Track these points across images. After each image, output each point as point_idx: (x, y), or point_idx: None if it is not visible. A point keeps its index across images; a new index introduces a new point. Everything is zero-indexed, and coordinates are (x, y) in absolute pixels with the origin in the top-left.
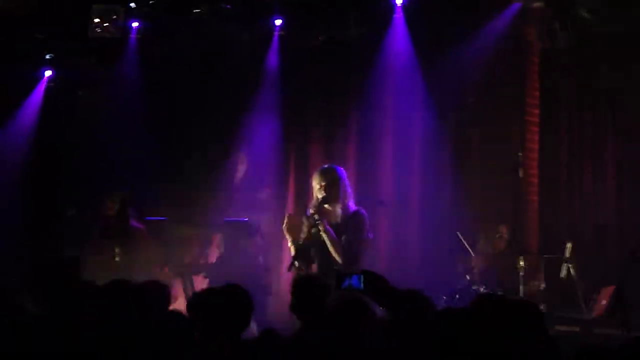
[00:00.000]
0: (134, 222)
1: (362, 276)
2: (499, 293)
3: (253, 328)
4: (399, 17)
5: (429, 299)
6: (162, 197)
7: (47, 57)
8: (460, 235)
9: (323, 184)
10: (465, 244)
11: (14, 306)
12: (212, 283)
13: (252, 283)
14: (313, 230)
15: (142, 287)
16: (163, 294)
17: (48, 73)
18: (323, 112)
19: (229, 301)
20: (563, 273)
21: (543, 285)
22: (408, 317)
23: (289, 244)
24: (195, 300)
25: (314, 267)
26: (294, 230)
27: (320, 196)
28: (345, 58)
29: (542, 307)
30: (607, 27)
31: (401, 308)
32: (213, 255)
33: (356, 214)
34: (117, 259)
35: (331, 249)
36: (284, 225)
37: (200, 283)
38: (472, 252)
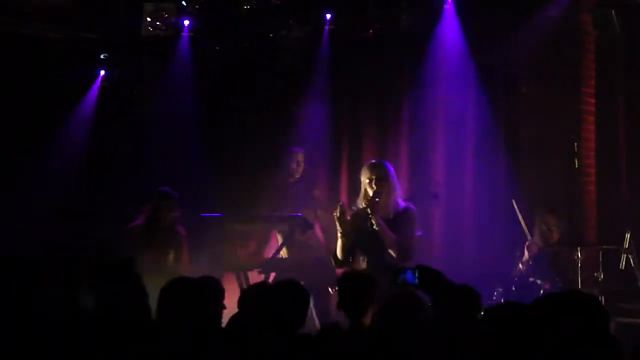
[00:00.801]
0: (179, 228)
1: (416, 271)
2: (560, 290)
3: (316, 322)
4: (449, 7)
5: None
6: (217, 193)
7: (102, 56)
8: (515, 204)
9: (373, 178)
10: (522, 221)
11: (68, 300)
12: (271, 278)
13: (312, 277)
14: (363, 226)
15: (198, 282)
16: (217, 287)
17: (102, 72)
18: (375, 106)
19: (282, 297)
20: (622, 264)
21: (602, 277)
22: (460, 312)
23: (339, 234)
24: (246, 295)
25: (362, 263)
26: (344, 222)
27: (370, 191)
28: (396, 50)
29: (601, 298)
30: None
31: (455, 303)
32: (270, 251)
33: (407, 209)
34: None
35: (386, 243)
36: (336, 214)
37: (256, 279)
38: (529, 236)
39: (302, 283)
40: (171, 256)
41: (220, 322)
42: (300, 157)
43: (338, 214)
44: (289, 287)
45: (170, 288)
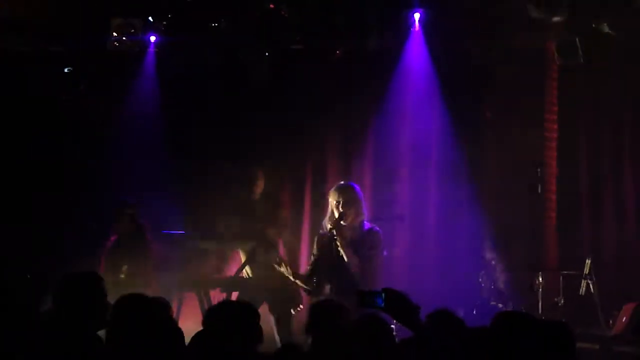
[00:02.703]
0: (148, 240)
1: (383, 294)
2: (521, 310)
3: (277, 342)
4: (416, 30)
5: (454, 317)
6: (179, 211)
7: (66, 70)
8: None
9: (341, 200)
10: (487, 257)
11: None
12: (231, 297)
13: (276, 298)
14: (328, 247)
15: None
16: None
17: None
18: (341, 127)
19: (237, 316)
20: (582, 290)
21: (562, 302)
22: (431, 335)
23: (291, 279)
24: (210, 314)
25: (327, 284)
26: (287, 269)
27: (337, 213)
28: (364, 71)
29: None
30: (627, 42)
31: (424, 326)
32: (232, 270)
33: (371, 231)
34: (122, 276)
35: (351, 264)
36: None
37: (218, 298)
38: (494, 266)
39: (265, 303)
40: (125, 268)
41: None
42: (259, 174)
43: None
44: (242, 306)
45: (121, 304)
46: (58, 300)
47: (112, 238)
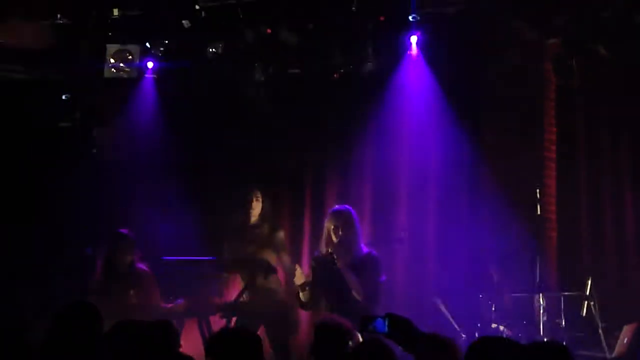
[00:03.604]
0: (139, 264)
1: (387, 319)
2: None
3: None
4: (414, 53)
5: (453, 344)
6: (179, 236)
7: (64, 97)
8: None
9: (339, 225)
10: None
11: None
12: (231, 323)
13: (274, 323)
14: (327, 271)
15: (150, 326)
16: (171, 333)
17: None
18: (339, 149)
19: (238, 345)
20: (583, 310)
21: (563, 323)
22: None
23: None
24: (213, 342)
25: (325, 309)
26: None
27: (335, 237)
28: (361, 94)
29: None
30: (624, 63)
31: (426, 352)
32: (231, 294)
33: (369, 255)
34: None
35: (351, 287)
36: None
37: (218, 323)
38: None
39: (262, 327)
40: (131, 297)
41: None
42: (256, 196)
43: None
44: (242, 333)
45: (115, 332)
46: (53, 330)
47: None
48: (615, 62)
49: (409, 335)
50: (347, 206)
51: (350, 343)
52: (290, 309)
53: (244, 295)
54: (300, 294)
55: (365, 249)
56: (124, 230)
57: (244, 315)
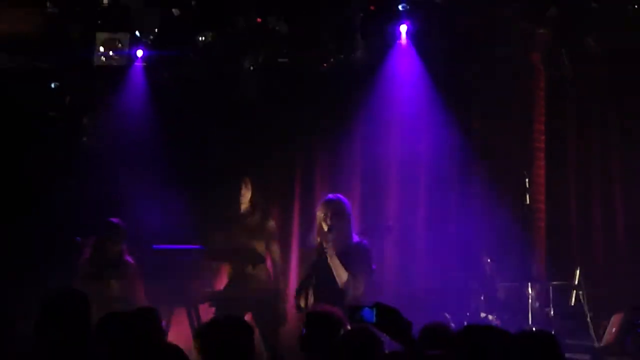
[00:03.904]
0: (127, 257)
1: (374, 309)
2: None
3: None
4: (403, 42)
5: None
6: (168, 224)
7: (52, 85)
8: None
9: (329, 213)
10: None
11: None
12: (219, 313)
13: (261, 312)
14: (316, 260)
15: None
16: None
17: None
18: (328, 139)
19: (229, 334)
20: (572, 300)
21: (552, 312)
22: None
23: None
24: (202, 332)
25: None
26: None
27: (325, 226)
28: (350, 84)
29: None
30: (614, 54)
31: (414, 341)
32: (220, 283)
33: (360, 244)
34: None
35: (339, 278)
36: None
37: (207, 312)
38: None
39: (251, 317)
40: (116, 287)
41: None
42: (245, 183)
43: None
44: (234, 323)
45: (100, 326)
46: (40, 319)
47: (85, 257)
48: (604, 53)
49: (397, 325)
50: (339, 195)
51: (341, 332)
52: (278, 298)
53: (232, 284)
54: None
55: (356, 238)
56: (115, 220)
57: (232, 304)
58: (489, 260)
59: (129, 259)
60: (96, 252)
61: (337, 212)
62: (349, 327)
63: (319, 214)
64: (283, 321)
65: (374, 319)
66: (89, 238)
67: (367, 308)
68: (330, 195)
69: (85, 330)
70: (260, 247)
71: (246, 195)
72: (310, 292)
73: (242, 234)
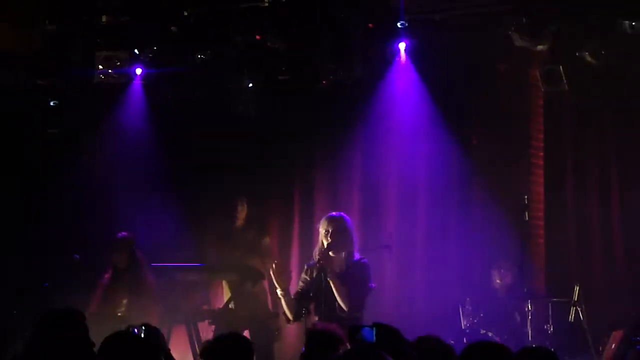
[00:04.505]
0: (144, 272)
1: (374, 329)
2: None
3: None
4: (402, 60)
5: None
6: (167, 242)
7: (52, 103)
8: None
9: (330, 230)
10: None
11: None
12: (219, 330)
13: (259, 329)
14: (316, 277)
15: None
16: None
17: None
18: (328, 156)
19: (230, 351)
20: (571, 316)
21: (551, 329)
22: None
23: (279, 292)
24: (206, 349)
25: (314, 315)
26: (282, 280)
27: (326, 243)
28: (349, 101)
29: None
30: (610, 69)
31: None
32: (219, 302)
33: (360, 262)
34: (121, 311)
35: (338, 296)
36: (273, 271)
37: (206, 330)
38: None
39: (248, 335)
40: (125, 301)
41: None
42: (241, 202)
43: (275, 272)
44: (235, 340)
45: (106, 345)
46: (36, 339)
47: (107, 274)
48: (602, 68)
49: (397, 345)
50: (342, 213)
51: (340, 350)
52: (273, 315)
53: (230, 303)
54: (285, 309)
55: (357, 256)
56: (119, 234)
57: (229, 321)
58: (502, 271)
59: (147, 274)
60: (113, 271)
61: (338, 229)
62: (348, 346)
63: (321, 230)
64: (278, 338)
65: (374, 339)
66: (105, 257)
67: (367, 327)
68: (333, 213)
69: (85, 349)
70: (255, 263)
71: (242, 213)
72: (311, 309)
73: (237, 251)
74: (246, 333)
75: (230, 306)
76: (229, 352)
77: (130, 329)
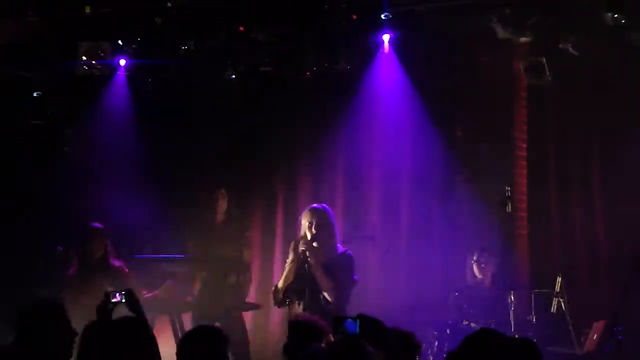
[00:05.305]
0: (113, 261)
1: (357, 320)
2: (492, 328)
3: None
4: (386, 52)
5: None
6: (150, 233)
7: (35, 94)
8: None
9: (313, 222)
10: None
11: None
12: (198, 321)
13: (237, 320)
14: (300, 269)
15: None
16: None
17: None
18: (311, 148)
19: (206, 343)
20: (554, 307)
21: (534, 320)
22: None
23: (289, 262)
24: (181, 342)
25: (298, 305)
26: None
27: (310, 234)
28: (333, 93)
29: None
30: (592, 61)
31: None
32: (201, 292)
33: (344, 254)
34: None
35: (322, 286)
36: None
37: (188, 321)
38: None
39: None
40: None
41: None
42: (220, 194)
43: (293, 246)
44: (208, 332)
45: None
46: (18, 332)
47: (74, 266)
48: (585, 60)
49: (380, 336)
50: (324, 205)
51: (323, 341)
52: (253, 307)
53: (199, 294)
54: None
55: (341, 249)
56: (95, 224)
57: (204, 312)
58: (482, 265)
59: (119, 263)
60: (82, 259)
61: (321, 221)
62: (331, 337)
63: (304, 222)
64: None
65: (357, 330)
66: (73, 249)
67: (350, 319)
68: (315, 204)
69: (67, 339)
70: (234, 256)
71: (222, 206)
72: (296, 301)
73: (217, 243)
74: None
75: (206, 297)
76: (203, 344)
77: (111, 295)
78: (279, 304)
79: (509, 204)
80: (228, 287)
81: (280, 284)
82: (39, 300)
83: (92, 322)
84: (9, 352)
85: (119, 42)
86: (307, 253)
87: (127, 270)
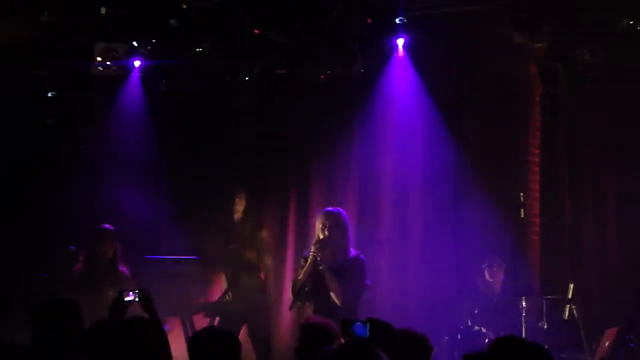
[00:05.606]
0: (121, 266)
1: (367, 323)
2: (485, 333)
3: None
4: (400, 56)
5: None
6: (163, 234)
7: (50, 94)
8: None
9: (327, 225)
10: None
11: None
12: (226, 321)
13: (256, 323)
14: (311, 271)
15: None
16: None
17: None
18: (324, 151)
19: (215, 345)
20: (566, 314)
21: (546, 326)
22: None
23: (304, 270)
24: (192, 342)
25: (308, 307)
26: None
27: (322, 236)
28: (347, 96)
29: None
30: (608, 67)
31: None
32: (215, 294)
33: (357, 258)
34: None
35: (332, 290)
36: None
37: (201, 322)
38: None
39: (243, 328)
40: (110, 293)
41: None
42: (239, 195)
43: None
44: (219, 334)
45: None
46: (35, 331)
47: (80, 263)
48: (600, 67)
49: (390, 340)
50: (339, 208)
51: (335, 344)
52: (268, 307)
53: (227, 295)
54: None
55: (353, 252)
56: (106, 226)
57: (226, 314)
58: (493, 269)
59: (124, 269)
60: (89, 259)
61: (335, 224)
62: (342, 340)
63: (318, 224)
64: (274, 330)
65: (367, 334)
66: (82, 243)
67: (359, 323)
68: (330, 208)
69: (77, 338)
70: (252, 257)
71: (239, 207)
72: (309, 304)
73: (235, 244)
74: (244, 327)
75: (227, 298)
76: (212, 347)
77: (125, 293)
78: (295, 297)
79: (522, 209)
80: (253, 288)
81: (300, 276)
82: (54, 300)
83: (104, 320)
84: (26, 352)
85: (134, 43)
86: (319, 256)
87: (131, 278)
